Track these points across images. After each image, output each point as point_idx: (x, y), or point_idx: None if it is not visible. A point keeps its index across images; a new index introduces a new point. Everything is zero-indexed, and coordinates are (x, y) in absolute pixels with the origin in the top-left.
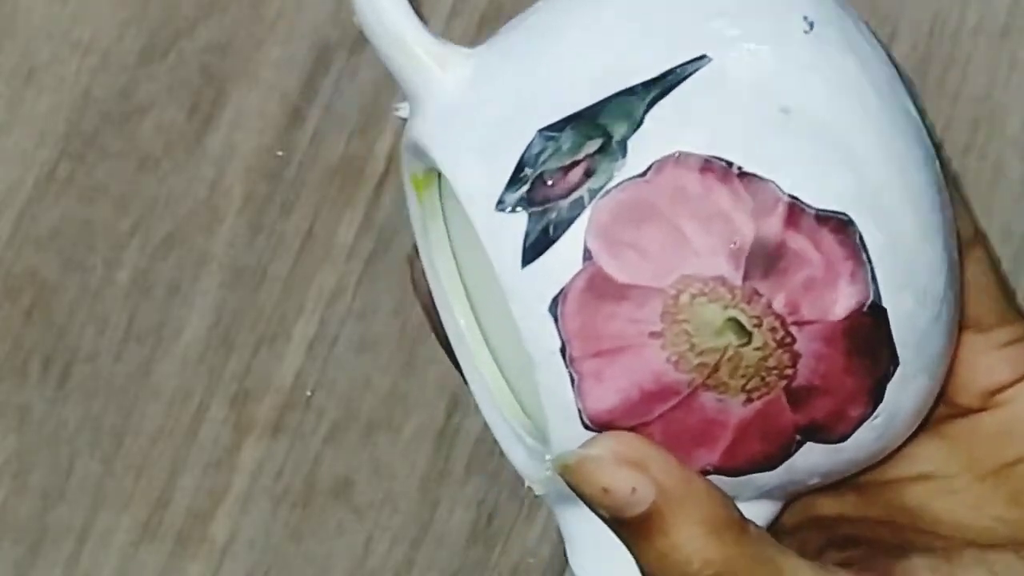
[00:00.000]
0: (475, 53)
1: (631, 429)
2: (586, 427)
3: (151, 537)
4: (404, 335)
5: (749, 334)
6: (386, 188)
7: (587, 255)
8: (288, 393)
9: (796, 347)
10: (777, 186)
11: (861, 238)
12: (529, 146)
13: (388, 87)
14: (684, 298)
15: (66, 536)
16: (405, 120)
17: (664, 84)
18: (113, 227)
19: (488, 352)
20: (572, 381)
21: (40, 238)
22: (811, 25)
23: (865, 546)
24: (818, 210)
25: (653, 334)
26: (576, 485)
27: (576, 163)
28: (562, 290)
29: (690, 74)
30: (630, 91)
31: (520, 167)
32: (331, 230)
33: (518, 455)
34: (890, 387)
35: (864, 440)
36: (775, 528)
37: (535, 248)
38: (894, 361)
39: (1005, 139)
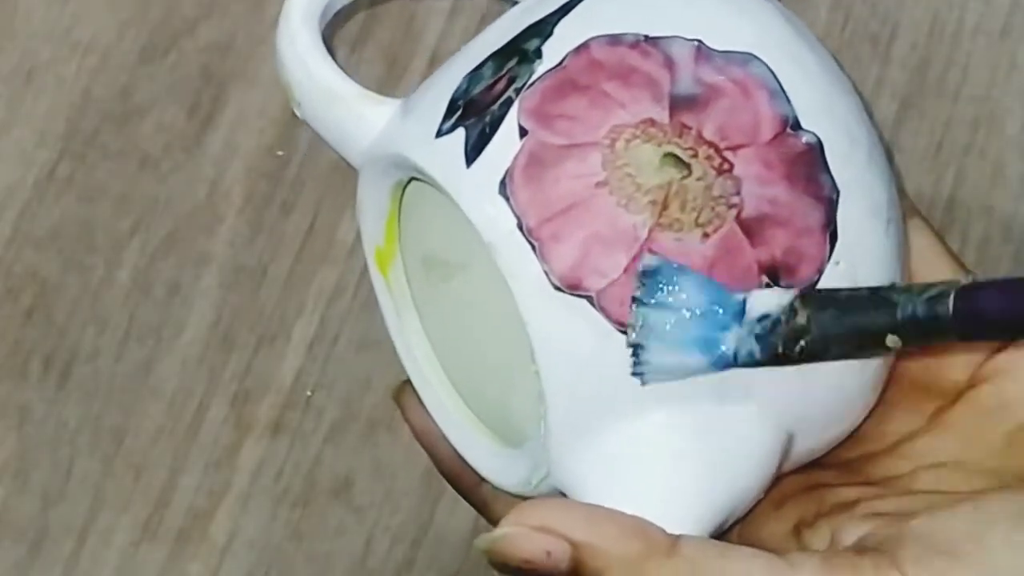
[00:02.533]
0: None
1: (601, 292)
2: (558, 289)
3: (151, 537)
4: None
5: (688, 166)
6: None
7: (523, 133)
8: (288, 393)
9: (736, 172)
10: (682, 38)
11: (771, 70)
12: (456, 88)
13: (388, 86)
14: (619, 144)
15: (66, 536)
16: None
17: (566, 8)
18: (113, 227)
19: (459, 398)
20: (534, 249)
21: (40, 238)
22: None
23: (888, 514)
24: (724, 51)
25: (599, 184)
26: (499, 564)
27: (500, 79)
28: (507, 171)
29: None
30: (538, 22)
31: (452, 104)
32: (331, 229)
33: (498, 469)
34: (840, 223)
35: None
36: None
37: (476, 148)
38: (834, 189)
39: (1005, 139)
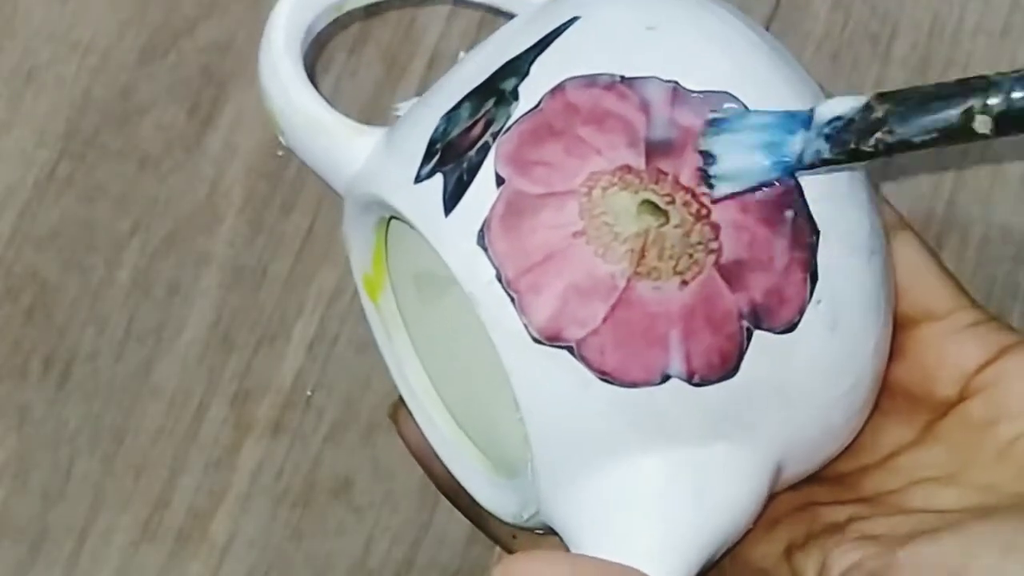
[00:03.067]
0: (388, 127)
1: (581, 341)
2: (537, 341)
3: (151, 537)
4: None
5: (665, 213)
6: None
7: (499, 181)
8: (288, 393)
9: (714, 217)
10: (658, 78)
11: (746, 108)
12: (435, 130)
13: (387, 87)
14: (596, 192)
15: (66, 536)
16: None
17: (543, 44)
18: (113, 227)
19: (453, 421)
20: (513, 301)
21: (40, 238)
22: None
23: (879, 537)
24: (699, 91)
25: (576, 233)
26: None
27: (477, 122)
28: (485, 221)
29: (564, 30)
30: (515, 59)
31: (430, 146)
32: (331, 230)
33: (505, 502)
34: (820, 261)
35: (816, 333)
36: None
37: (454, 197)
38: (814, 230)
39: (1005, 139)
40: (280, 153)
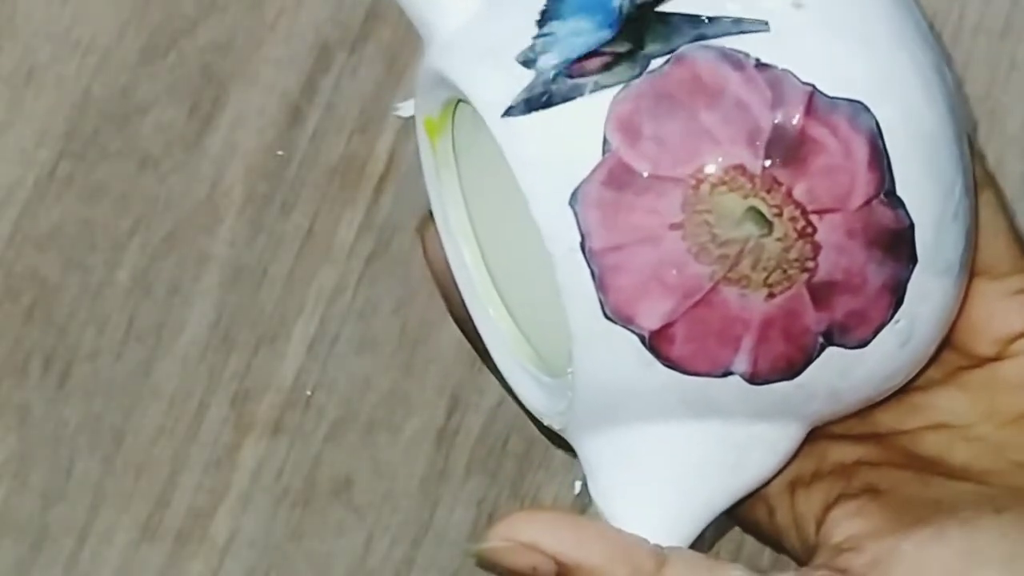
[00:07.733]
0: None
1: (654, 332)
2: (609, 319)
3: (151, 537)
4: (404, 335)
5: (770, 224)
6: (386, 187)
7: (606, 147)
8: (288, 393)
9: (817, 237)
10: (794, 75)
11: (878, 125)
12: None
13: (388, 86)
14: (704, 188)
15: (66, 536)
16: (405, 119)
17: None
18: (113, 227)
19: (498, 296)
20: (593, 275)
21: (40, 238)
22: None
23: (884, 495)
24: (834, 98)
25: (673, 225)
26: (489, 570)
27: (593, 55)
28: (581, 183)
29: None
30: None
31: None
32: (331, 230)
33: (532, 393)
34: (910, 287)
35: (886, 348)
36: (795, 476)
37: (529, 104)
38: (913, 258)
39: (1005, 139)
40: (280, 153)
